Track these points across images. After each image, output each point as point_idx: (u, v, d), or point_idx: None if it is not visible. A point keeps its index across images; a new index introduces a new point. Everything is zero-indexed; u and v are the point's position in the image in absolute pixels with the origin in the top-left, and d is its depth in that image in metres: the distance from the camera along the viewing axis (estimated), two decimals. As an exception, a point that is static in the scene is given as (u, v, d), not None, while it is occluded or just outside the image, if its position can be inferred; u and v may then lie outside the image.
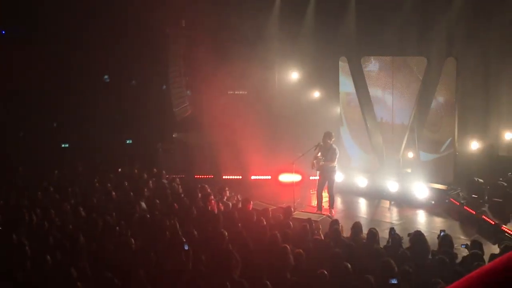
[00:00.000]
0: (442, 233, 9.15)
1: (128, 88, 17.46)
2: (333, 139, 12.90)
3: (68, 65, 16.21)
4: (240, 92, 16.91)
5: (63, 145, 17.24)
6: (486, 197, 12.62)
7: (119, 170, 14.82)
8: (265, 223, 10.04)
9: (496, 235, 10.89)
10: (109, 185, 12.85)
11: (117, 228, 9.73)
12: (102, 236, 9.46)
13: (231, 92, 16.88)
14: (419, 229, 9.77)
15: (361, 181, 14.67)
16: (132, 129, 17.12)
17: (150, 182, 13.43)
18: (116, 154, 16.02)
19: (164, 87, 17.46)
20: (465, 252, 8.90)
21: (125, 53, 16.19)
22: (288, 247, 8.16)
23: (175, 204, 11.31)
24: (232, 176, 15.94)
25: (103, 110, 16.61)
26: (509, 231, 10.83)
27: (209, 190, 12.51)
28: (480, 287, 1.28)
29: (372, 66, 14.64)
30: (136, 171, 14.63)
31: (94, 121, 16.64)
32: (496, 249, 9.29)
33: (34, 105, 16.39)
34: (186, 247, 8.64)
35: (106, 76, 17.39)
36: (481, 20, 13.54)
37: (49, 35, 16.04)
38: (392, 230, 9.60)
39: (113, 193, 12.14)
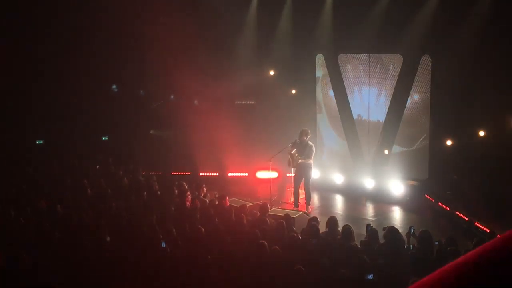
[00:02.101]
0: (412, 230, 9.26)
1: (106, 86, 17.33)
2: (309, 136, 12.94)
3: (41, 61, 15.99)
4: (220, 89, 16.88)
5: (37, 142, 17.03)
6: (460, 193, 12.82)
7: (97, 167, 14.69)
8: (244, 220, 10.07)
9: (470, 230, 11.07)
10: (86, 181, 12.74)
11: (93, 225, 9.66)
12: (78, 233, 9.39)
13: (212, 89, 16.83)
14: (393, 226, 9.88)
15: (338, 178, 14.77)
16: (108, 126, 16.98)
17: (126, 178, 13.35)
18: (92, 151, 15.88)
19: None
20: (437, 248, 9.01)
21: (104, 53, 16.03)
22: (265, 243, 8.19)
23: (152, 201, 11.27)
24: (209, 173, 15.92)
25: (79, 106, 16.43)
26: (482, 227, 11.01)
27: (186, 187, 12.48)
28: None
29: (348, 63, 14.74)
30: (112, 168, 14.53)
31: (69, 118, 16.45)
32: (469, 245, 9.44)
33: (8, 101, 16.15)
34: (163, 245, 8.63)
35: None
36: (455, 18, 13.71)
37: (24, 29, 15.81)
38: (368, 226, 9.69)
39: (89, 191, 12.05)
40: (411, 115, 13.96)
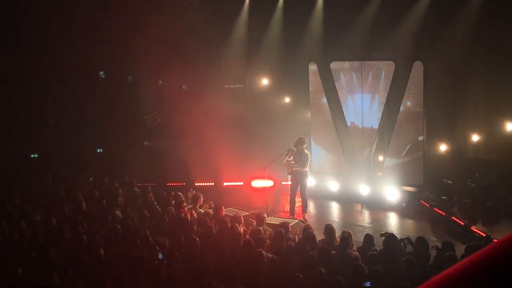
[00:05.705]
0: (406, 240, 9.26)
1: (98, 94, 17.27)
2: (305, 145, 13.00)
3: (35, 71, 15.94)
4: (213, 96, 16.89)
5: (32, 156, 16.94)
6: (455, 199, 12.83)
7: (91, 179, 14.64)
8: (240, 229, 10.06)
9: (465, 235, 11.08)
10: (80, 194, 12.69)
11: (88, 238, 9.63)
12: (73, 247, 9.36)
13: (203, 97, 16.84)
14: (392, 232, 9.89)
15: (333, 185, 14.76)
16: (102, 138, 16.94)
17: (120, 190, 13.30)
18: (86, 163, 15.82)
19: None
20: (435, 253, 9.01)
21: (95, 57, 16.00)
22: (263, 252, 8.19)
23: (148, 213, 11.25)
24: (204, 183, 15.88)
25: (73, 118, 16.39)
26: (478, 231, 11.03)
27: (182, 197, 12.45)
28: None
29: (341, 71, 14.76)
30: (106, 180, 14.48)
31: (64, 130, 16.40)
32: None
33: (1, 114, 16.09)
34: (160, 256, 8.61)
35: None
36: (446, 24, 13.78)
37: (15, 40, 15.77)
38: (368, 235, 9.69)
39: (84, 204, 12.01)
40: (404, 121, 13.97)
